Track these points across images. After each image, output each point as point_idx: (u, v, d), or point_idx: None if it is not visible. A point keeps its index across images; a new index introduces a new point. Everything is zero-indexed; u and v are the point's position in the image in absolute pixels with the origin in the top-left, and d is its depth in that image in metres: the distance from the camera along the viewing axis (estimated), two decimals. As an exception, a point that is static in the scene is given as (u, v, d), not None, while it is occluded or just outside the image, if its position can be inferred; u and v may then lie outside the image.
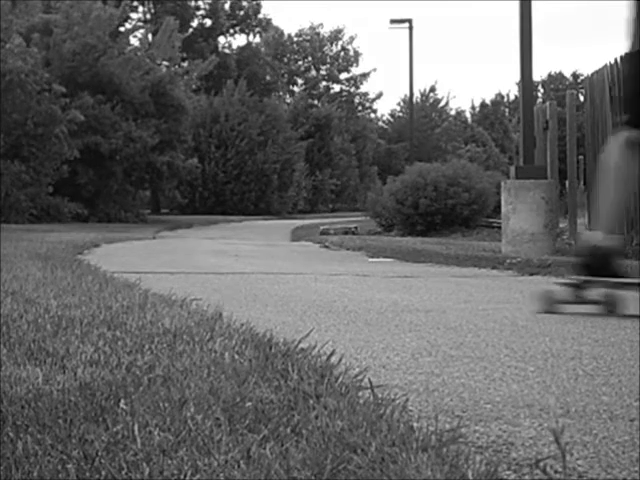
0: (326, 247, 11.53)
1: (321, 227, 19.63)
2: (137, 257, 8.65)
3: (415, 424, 1.70)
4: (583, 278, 3.62)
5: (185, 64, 34.26)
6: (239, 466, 1.41)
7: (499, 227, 11.87)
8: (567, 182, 11.27)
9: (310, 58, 58.61)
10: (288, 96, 56.60)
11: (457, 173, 18.18)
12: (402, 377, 2.30)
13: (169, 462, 1.43)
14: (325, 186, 47.99)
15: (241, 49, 50.44)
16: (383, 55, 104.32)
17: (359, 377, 2.10)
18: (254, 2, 50.90)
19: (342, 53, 58.71)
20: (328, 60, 58.81)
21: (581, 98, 18.30)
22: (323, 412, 1.71)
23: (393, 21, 32.07)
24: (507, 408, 1.95)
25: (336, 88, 59.87)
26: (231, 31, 51.03)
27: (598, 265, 3.56)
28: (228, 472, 1.39)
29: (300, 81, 59.20)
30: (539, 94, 62.62)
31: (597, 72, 9.92)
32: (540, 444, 1.65)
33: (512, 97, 66.88)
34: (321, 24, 67.10)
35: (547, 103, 11.74)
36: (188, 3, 47.42)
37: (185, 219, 27.94)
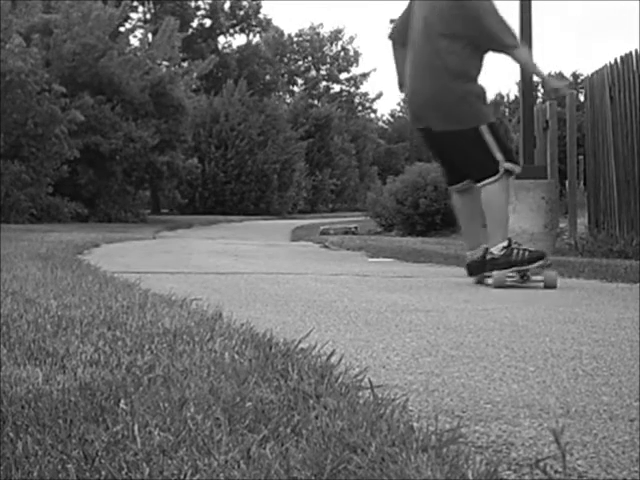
0: (326, 247, 11.53)
1: (321, 227, 19.63)
2: (137, 257, 8.65)
3: (415, 424, 1.70)
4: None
5: (185, 64, 34.29)
6: (239, 466, 1.41)
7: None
8: (567, 182, 11.26)
9: (310, 58, 58.62)
10: (288, 96, 56.59)
11: (457, 173, 18.19)
12: (402, 377, 2.31)
13: (169, 462, 1.43)
14: (325, 186, 48.02)
15: (241, 49, 50.45)
16: (383, 55, 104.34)
17: (359, 377, 2.10)
18: (254, 2, 50.91)
19: (342, 53, 58.75)
20: (328, 60, 58.83)
21: (581, 98, 18.30)
22: (323, 412, 1.71)
23: (393, 21, 32.10)
24: (507, 408, 1.95)
25: (336, 88, 59.92)
26: (231, 31, 51.05)
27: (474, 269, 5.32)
28: (228, 472, 1.39)
29: (300, 81, 59.22)
30: (539, 94, 62.64)
31: (597, 72, 9.92)
32: (540, 444, 1.65)
33: (512, 97, 66.93)
34: (321, 24, 67.20)
35: (547, 103, 11.73)
36: (188, 3, 47.44)
37: (185, 219, 27.94)
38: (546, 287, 5.01)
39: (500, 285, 5.00)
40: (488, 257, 5.17)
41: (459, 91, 5.17)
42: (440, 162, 5.62)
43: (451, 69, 5.17)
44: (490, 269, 5.13)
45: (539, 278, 5.14)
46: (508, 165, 5.13)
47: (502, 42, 5.20)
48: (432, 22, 5.23)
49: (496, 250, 5.15)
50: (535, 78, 6.75)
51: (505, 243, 5.15)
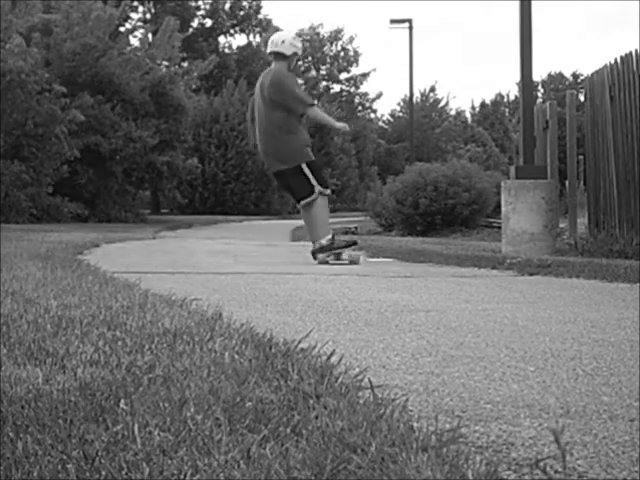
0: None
1: (321, 227, 19.58)
2: (137, 257, 8.65)
3: (415, 424, 1.70)
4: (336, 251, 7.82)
5: (185, 64, 34.26)
6: (239, 466, 1.41)
7: (499, 227, 11.86)
8: (567, 182, 11.26)
9: (310, 58, 58.59)
10: (288, 96, 56.50)
11: (457, 173, 18.19)
12: (402, 377, 2.31)
13: (169, 462, 1.43)
14: (325, 186, 47.88)
15: (241, 49, 50.43)
16: (383, 55, 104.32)
17: (359, 377, 2.10)
18: (254, 2, 50.89)
19: (342, 53, 58.71)
20: (328, 60, 58.79)
21: (581, 98, 18.30)
22: (323, 412, 1.71)
23: (393, 21, 32.09)
24: (507, 408, 1.95)
25: (336, 88, 59.86)
26: (231, 31, 51.03)
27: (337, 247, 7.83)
28: (228, 472, 1.39)
29: (300, 81, 59.17)
30: (539, 94, 62.61)
31: (597, 72, 9.92)
32: (540, 444, 1.65)
33: (512, 97, 66.94)
34: (321, 24, 67.19)
35: (547, 103, 11.72)
36: (188, 3, 47.42)
37: (185, 219, 27.93)
38: (351, 263, 7.65)
39: (322, 262, 7.60)
40: (317, 246, 7.80)
41: (284, 140, 7.79)
42: (287, 191, 8.47)
43: (277, 126, 7.79)
44: (320, 252, 7.78)
45: (346, 257, 7.76)
46: (320, 188, 7.78)
47: (304, 104, 7.84)
48: (262, 98, 7.88)
49: (324, 241, 7.77)
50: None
51: (330, 236, 7.78)
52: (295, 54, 8.09)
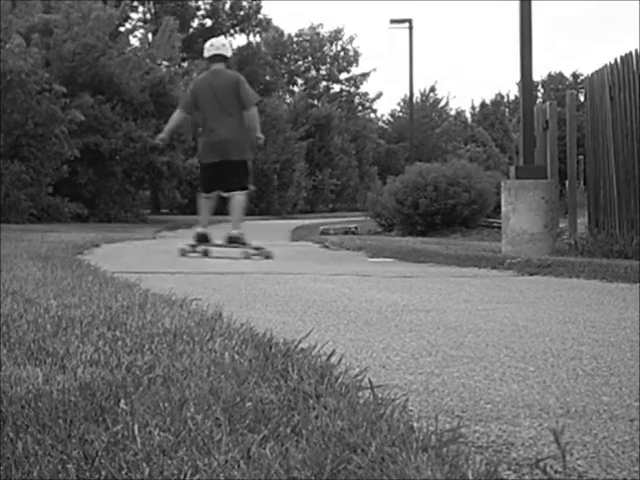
0: (326, 247, 11.52)
1: (321, 227, 19.64)
2: (137, 257, 8.64)
3: (415, 424, 1.70)
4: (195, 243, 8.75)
5: (185, 64, 34.26)
6: (239, 466, 1.41)
7: (499, 227, 11.86)
8: (567, 182, 11.25)
9: (310, 58, 58.57)
10: (288, 96, 56.56)
11: (457, 173, 18.19)
12: (402, 377, 2.31)
13: (169, 462, 1.43)
14: (325, 186, 47.98)
15: (241, 49, 50.42)
16: (383, 55, 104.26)
17: (359, 377, 2.10)
18: (254, 2, 50.88)
19: (342, 53, 58.68)
20: (328, 60, 58.78)
21: (581, 98, 18.29)
22: (323, 412, 1.71)
23: (393, 21, 32.08)
24: (507, 408, 1.95)
25: (336, 88, 59.86)
26: (231, 31, 51.02)
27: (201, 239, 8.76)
28: (228, 472, 1.39)
29: (300, 81, 59.19)
30: (539, 94, 62.62)
31: (597, 72, 9.91)
32: (540, 444, 1.65)
33: (512, 97, 66.96)
34: (321, 24, 67.19)
35: (547, 103, 11.72)
36: (188, 3, 47.41)
37: (185, 219, 27.92)
38: (266, 258, 8.29)
39: (247, 257, 8.24)
40: (231, 235, 8.63)
41: (246, 133, 8.62)
42: (210, 181, 8.78)
43: (241, 120, 8.55)
44: (233, 243, 8.57)
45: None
46: (252, 186, 8.95)
47: (252, 103, 8.68)
48: (223, 93, 8.58)
49: (236, 232, 8.59)
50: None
51: (241, 230, 8.60)
52: (230, 57, 8.93)
